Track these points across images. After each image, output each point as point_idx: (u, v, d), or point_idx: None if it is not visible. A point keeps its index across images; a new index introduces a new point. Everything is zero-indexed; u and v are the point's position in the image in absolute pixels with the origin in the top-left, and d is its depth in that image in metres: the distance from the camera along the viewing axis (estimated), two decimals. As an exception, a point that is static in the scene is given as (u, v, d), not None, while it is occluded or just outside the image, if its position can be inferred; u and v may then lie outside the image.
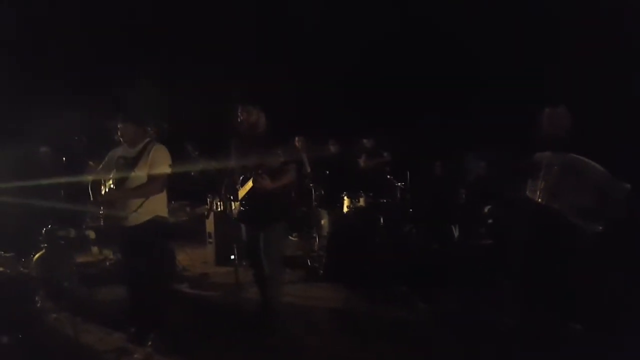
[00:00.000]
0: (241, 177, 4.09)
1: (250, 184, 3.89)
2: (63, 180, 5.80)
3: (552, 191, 3.82)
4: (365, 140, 6.87)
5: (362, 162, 6.65)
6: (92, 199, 3.96)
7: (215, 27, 8.31)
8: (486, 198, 6.15)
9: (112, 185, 3.87)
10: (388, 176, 6.50)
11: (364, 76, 8.83)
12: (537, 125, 3.94)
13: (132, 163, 3.86)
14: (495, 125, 6.48)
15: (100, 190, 3.97)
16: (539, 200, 3.88)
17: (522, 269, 4.12)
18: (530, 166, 3.93)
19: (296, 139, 6.94)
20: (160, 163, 3.85)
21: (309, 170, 6.93)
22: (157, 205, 3.89)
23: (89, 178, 4.11)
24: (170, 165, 3.90)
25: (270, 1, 8.20)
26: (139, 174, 3.82)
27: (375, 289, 5.20)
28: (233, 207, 4.21)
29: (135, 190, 3.83)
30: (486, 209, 5.99)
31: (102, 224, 4.96)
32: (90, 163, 4.76)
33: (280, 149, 3.83)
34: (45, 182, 5.72)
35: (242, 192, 4.06)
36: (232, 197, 4.19)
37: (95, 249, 6.83)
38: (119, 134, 3.96)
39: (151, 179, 3.84)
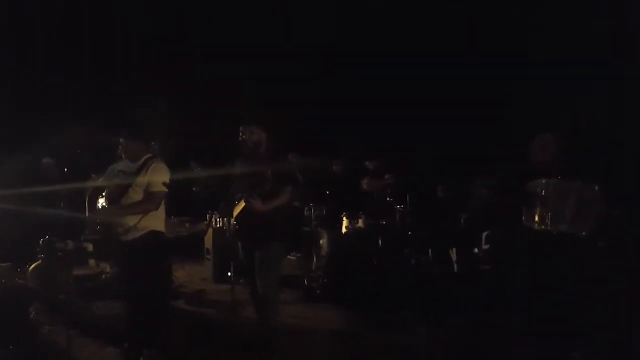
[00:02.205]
0: (238, 195, 4.11)
1: (244, 203, 3.91)
2: (63, 191, 5.82)
3: (553, 217, 3.87)
4: (367, 162, 6.88)
5: (364, 183, 6.66)
6: (88, 211, 3.97)
7: (220, 45, 8.41)
8: (486, 223, 6.16)
9: (105, 201, 3.89)
10: (388, 198, 6.50)
11: (370, 98, 8.90)
12: (528, 152, 4.05)
13: (130, 178, 3.88)
14: (498, 151, 6.52)
15: (97, 204, 3.98)
16: (542, 226, 3.91)
17: (524, 296, 4.12)
18: (526, 195, 3.99)
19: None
20: (158, 181, 3.86)
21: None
22: (153, 221, 3.89)
23: (88, 190, 4.13)
24: (167, 184, 3.90)
25: (275, 21, 8.30)
26: (136, 190, 3.84)
27: (372, 312, 5.18)
28: (229, 224, 4.23)
29: (130, 207, 3.84)
30: (484, 235, 5.99)
31: (98, 237, 4.96)
32: (93, 176, 4.79)
33: (277, 169, 3.85)
34: (45, 192, 5.74)
35: (236, 210, 4.08)
36: (228, 214, 4.20)
37: (92, 262, 6.81)
38: (120, 148, 3.99)
39: (147, 196, 3.85)
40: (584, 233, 3.83)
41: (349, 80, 8.85)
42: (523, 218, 4.05)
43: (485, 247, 6.22)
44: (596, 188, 3.85)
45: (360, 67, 8.79)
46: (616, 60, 6.20)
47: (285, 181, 3.98)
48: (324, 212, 6.69)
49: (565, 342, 3.83)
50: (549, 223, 3.89)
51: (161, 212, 3.98)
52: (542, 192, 3.92)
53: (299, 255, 7.80)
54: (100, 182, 4.13)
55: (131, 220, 3.81)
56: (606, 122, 5.86)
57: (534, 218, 3.95)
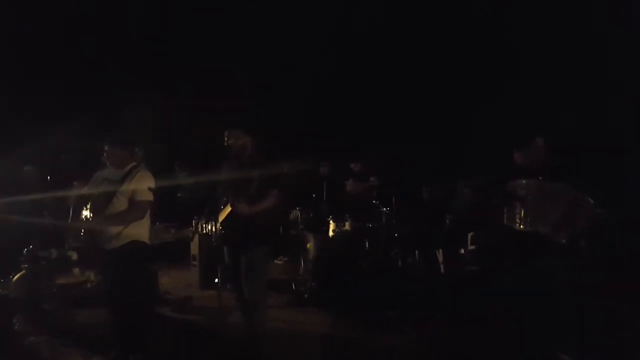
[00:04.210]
0: (224, 199, 4.10)
1: (229, 207, 3.89)
2: (46, 199, 5.74)
3: (533, 217, 3.92)
4: (352, 165, 6.91)
5: (349, 186, 6.68)
6: (72, 220, 3.93)
7: (205, 49, 8.38)
8: (471, 224, 6.22)
9: (89, 210, 3.85)
10: (374, 201, 6.54)
11: (354, 101, 8.92)
12: (516, 155, 4.10)
13: (115, 186, 3.84)
14: (482, 153, 6.59)
15: (82, 212, 3.94)
16: (522, 227, 3.97)
17: (508, 296, 4.18)
18: (506, 195, 4.04)
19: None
20: (143, 189, 3.82)
21: None
22: (137, 229, 3.84)
23: (71, 198, 4.08)
24: (152, 191, 3.86)
25: (263, 26, 8.29)
26: (121, 199, 3.81)
27: (360, 314, 5.19)
28: (215, 230, 4.21)
29: (116, 217, 3.80)
30: (470, 235, 6.05)
31: (82, 245, 4.89)
32: (74, 183, 4.73)
33: (263, 173, 3.85)
34: (28, 201, 5.66)
35: (222, 215, 4.06)
36: (214, 220, 4.18)
37: (76, 271, 6.72)
38: (105, 156, 3.96)
39: (132, 205, 3.81)
40: (563, 240, 3.87)
41: (333, 82, 8.87)
42: (505, 218, 4.09)
43: (471, 247, 6.29)
44: (590, 200, 3.85)
45: (344, 70, 8.81)
46: (599, 61, 6.31)
47: (272, 185, 3.98)
48: (311, 215, 6.70)
49: (551, 343, 3.88)
50: (528, 224, 3.94)
51: (145, 220, 3.94)
52: (522, 192, 3.98)
53: (285, 259, 7.80)
54: (84, 190, 4.08)
55: (114, 229, 3.77)
56: (588, 123, 5.97)
57: (515, 218, 4.00)
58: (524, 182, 4.00)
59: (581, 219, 3.86)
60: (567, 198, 3.90)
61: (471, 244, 6.33)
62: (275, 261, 7.73)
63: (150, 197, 3.86)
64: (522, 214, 3.96)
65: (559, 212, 3.88)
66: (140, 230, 3.89)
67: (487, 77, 7.51)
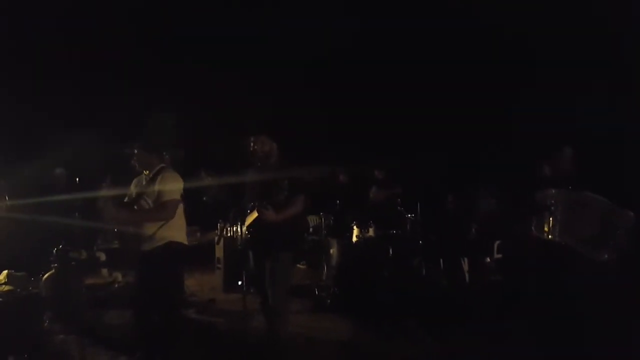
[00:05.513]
0: (250, 205, 4.13)
1: (256, 212, 3.92)
2: (76, 201, 5.88)
3: (562, 227, 3.86)
4: (376, 171, 6.89)
5: (372, 192, 6.66)
6: (101, 221, 4.00)
7: (229, 56, 8.49)
8: (496, 233, 6.13)
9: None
10: (398, 207, 6.50)
11: (379, 107, 8.91)
12: (544, 165, 4.04)
13: (143, 189, 3.92)
14: (507, 162, 6.51)
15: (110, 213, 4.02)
16: (550, 237, 3.91)
17: (532, 306, 4.11)
18: (538, 204, 3.97)
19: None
20: (168, 190, 3.84)
21: None
22: (171, 231, 3.86)
23: (100, 200, 4.15)
24: (180, 192, 3.89)
25: (284, 33, 8.35)
26: (147, 200, 3.86)
27: (382, 322, 5.15)
28: (241, 234, 4.25)
29: (141, 214, 3.86)
30: (496, 245, 5.97)
31: (114, 246, 4.96)
32: (104, 185, 4.83)
33: (288, 179, 3.88)
34: (58, 202, 5.80)
35: (249, 220, 4.09)
36: (240, 224, 4.21)
37: (104, 271, 6.85)
38: (134, 159, 4.03)
39: (157, 205, 3.84)
40: (603, 257, 3.75)
41: (359, 89, 8.87)
42: (533, 227, 4.03)
43: (497, 256, 6.21)
44: (630, 213, 3.75)
45: (369, 76, 8.81)
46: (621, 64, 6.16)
47: (297, 191, 4.00)
48: (334, 221, 6.70)
49: (575, 355, 3.79)
50: (557, 234, 3.87)
51: (179, 222, 3.95)
52: (551, 202, 3.92)
53: (306, 264, 7.80)
54: (113, 191, 4.15)
55: (148, 230, 3.81)
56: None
57: (543, 228, 3.94)
58: (553, 191, 3.94)
59: (619, 234, 3.76)
60: (601, 211, 3.80)
61: (498, 253, 6.25)
62: (298, 266, 7.75)
63: (176, 196, 3.86)
64: (551, 224, 3.90)
65: (592, 225, 3.79)
66: (175, 232, 3.90)
67: (515, 84, 7.41)
